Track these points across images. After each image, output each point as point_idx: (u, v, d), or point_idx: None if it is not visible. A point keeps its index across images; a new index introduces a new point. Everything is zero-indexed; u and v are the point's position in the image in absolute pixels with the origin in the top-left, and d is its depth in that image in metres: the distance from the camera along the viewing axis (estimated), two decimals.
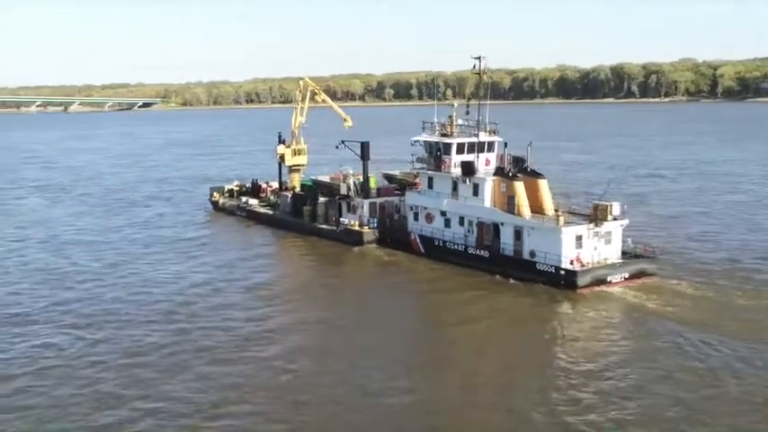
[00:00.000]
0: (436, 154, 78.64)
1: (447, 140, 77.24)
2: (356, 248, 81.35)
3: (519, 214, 69.42)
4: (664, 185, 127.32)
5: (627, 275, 65.16)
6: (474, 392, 43.32)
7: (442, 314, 59.85)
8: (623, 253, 68.33)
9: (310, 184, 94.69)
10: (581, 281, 63.09)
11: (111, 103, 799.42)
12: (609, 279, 64.48)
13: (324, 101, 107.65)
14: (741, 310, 57.27)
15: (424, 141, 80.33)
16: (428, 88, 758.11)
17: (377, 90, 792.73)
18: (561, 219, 66.93)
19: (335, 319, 57.99)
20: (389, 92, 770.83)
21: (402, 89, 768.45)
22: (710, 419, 39.10)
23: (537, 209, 70.18)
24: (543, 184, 71.88)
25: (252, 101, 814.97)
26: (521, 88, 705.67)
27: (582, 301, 60.76)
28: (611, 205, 67.70)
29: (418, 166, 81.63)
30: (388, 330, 55.39)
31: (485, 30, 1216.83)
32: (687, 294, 61.46)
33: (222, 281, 68.31)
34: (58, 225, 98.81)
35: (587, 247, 66.03)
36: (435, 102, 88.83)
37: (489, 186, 72.52)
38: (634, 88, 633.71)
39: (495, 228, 71.62)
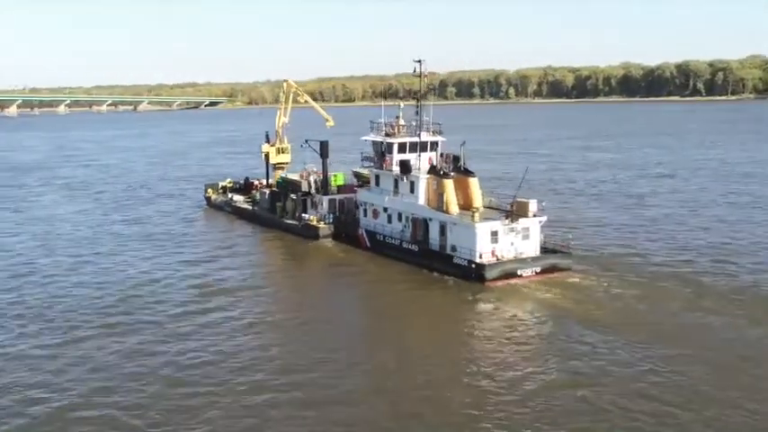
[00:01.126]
0: (381, 153, 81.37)
1: (389, 140, 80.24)
2: (313, 243, 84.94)
3: (447, 211, 71.66)
4: (661, 185, 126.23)
5: (538, 270, 67.27)
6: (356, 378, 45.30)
7: (356, 303, 64.38)
8: (543, 248, 70.30)
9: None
10: (489, 274, 65.50)
11: (178, 102, 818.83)
12: (519, 273, 66.65)
13: (306, 101, 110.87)
14: (641, 310, 57.76)
15: (372, 141, 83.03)
16: (490, 87, 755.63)
17: (439, 89, 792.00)
18: (476, 215, 68.90)
19: (250, 315, 59.40)
20: (451, 90, 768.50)
21: (464, 88, 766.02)
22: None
23: (467, 206, 72.32)
24: (473, 183, 74.18)
25: (315, 99, 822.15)
26: (584, 86, 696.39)
27: (486, 294, 63.05)
28: (527, 202, 70.56)
29: (366, 164, 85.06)
30: (305, 323, 57.02)
31: (547, 28, 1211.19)
32: (591, 289, 63.28)
33: (172, 276, 70.93)
34: (57, 221, 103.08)
35: (504, 243, 68.43)
36: (382, 103, 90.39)
37: (423, 184, 75.34)
38: (700, 86, 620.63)
39: (425, 223, 74.20)
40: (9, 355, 50.23)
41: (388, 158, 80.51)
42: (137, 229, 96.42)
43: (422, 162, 78.27)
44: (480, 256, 66.76)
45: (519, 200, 70.97)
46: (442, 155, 79.46)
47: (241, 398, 42.49)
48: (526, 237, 69.62)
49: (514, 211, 69.51)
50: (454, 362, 48.48)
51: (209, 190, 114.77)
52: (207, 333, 54.13)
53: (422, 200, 75.52)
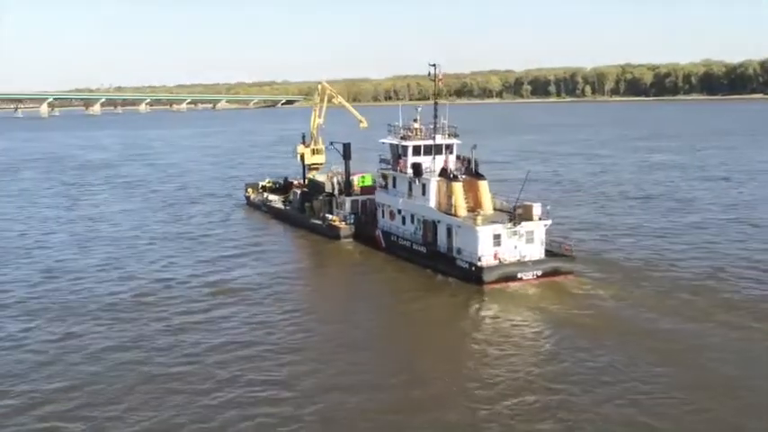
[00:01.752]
0: (397, 155, 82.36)
1: (404, 143, 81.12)
2: (335, 243, 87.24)
3: (455, 213, 72.28)
4: (712, 189, 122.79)
5: (539, 273, 67.20)
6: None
7: (355, 303, 65.53)
8: (549, 252, 70.24)
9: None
10: (487, 276, 65.80)
11: (255, 101, 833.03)
12: (519, 276, 66.72)
13: (340, 103, 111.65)
14: (635, 319, 56.73)
15: (389, 143, 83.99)
16: (566, 85, 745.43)
17: (514, 87, 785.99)
18: (479, 218, 69.26)
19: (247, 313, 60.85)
20: (527, 88, 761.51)
21: (540, 86, 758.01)
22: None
23: (477, 209, 72.92)
24: (483, 185, 74.84)
25: (390, 98, 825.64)
26: (663, 84, 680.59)
27: (481, 296, 63.64)
28: (531, 206, 70.55)
29: (383, 166, 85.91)
30: (298, 323, 57.86)
31: (626, 25, 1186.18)
32: (588, 295, 62.94)
33: (183, 276, 72.30)
34: (101, 220, 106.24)
35: (507, 246, 68.56)
36: (399, 104, 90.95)
37: (434, 187, 76.04)
38: None
39: (434, 226, 75.02)
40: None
41: (402, 161, 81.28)
42: (172, 228, 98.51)
43: (437, 165, 78.49)
44: (481, 259, 66.89)
45: (524, 203, 71.08)
46: (458, 157, 79.87)
47: (212, 393, 43.55)
48: (530, 240, 69.63)
49: (518, 215, 69.55)
50: (427, 362, 49.40)
51: (250, 189, 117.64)
52: (203, 329, 55.64)
53: (432, 202, 76.20)
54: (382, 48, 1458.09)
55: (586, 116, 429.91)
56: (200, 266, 76.07)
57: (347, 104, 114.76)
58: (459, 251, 70.38)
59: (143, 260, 79.43)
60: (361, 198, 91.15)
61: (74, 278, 72.48)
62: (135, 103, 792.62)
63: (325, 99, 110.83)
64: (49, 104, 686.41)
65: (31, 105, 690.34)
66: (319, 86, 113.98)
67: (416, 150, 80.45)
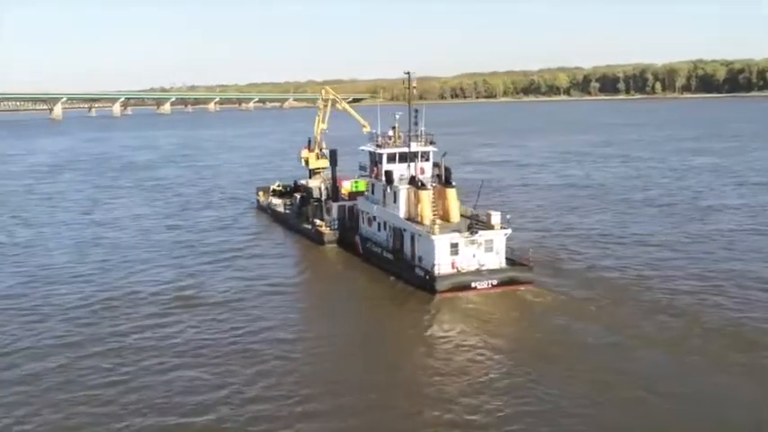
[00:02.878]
0: (374, 162, 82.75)
1: (379, 150, 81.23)
2: (320, 248, 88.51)
3: (422, 222, 72.53)
4: (742, 195, 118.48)
5: (495, 282, 66.73)
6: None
7: (309, 310, 65.91)
8: (511, 261, 69.89)
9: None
10: (440, 285, 65.66)
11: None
12: (474, 285, 66.38)
13: (344, 108, 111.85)
14: (580, 335, 55.61)
15: (368, 151, 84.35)
16: (636, 82, 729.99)
17: (582, 84, 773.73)
18: (436, 227, 69.07)
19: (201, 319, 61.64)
20: (595, 86, 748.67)
21: (608, 83, 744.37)
22: None
23: (445, 217, 73.49)
24: (451, 193, 74.77)
25: (456, 96, 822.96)
26: (736, 81, 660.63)
27: (430, 305, 63.73)
28: (490, 214, 71.38)
29: (362, 173, 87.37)
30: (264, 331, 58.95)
31: (699, 20, 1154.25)
32: (540, 306, 62.64)
33: (153, 283, 73.04)
34: (110, 225, 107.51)
35: (465, 255, 68.44)
36: (379, 102, 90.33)
37: (404, 195, 76.36)
38: None
39: (401, 233, 75.32)
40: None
41: (377, 168, 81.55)
42: (172, 235, 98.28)
43: (411, 172, 78.24)
44: (435, 267, 66.72)
45: (482, 212, 71.96)
46: (436, 164, 79.55)
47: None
48: (489, 249, 69.39)
49: (474, 224, 69.70)
50: (352, 372, 49.75)
51: (260, 193, 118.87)
52: (143, 342, 55.93)
53: (402, 210, 76.33)
54: (450, 45, 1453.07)
55: (651, 114, 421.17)
56: (174, 275, 76.41)
57: (350, 109, 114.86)
58: (420, 259, 70.75)
59: (124, 269, 79.96)
60: (348, 204, 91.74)
61: (50, 284, 73.88)
62: (204, 101, 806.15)
63: (329, 104, 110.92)
64: (122, 104, 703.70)
65: (104, 105, 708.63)
66: (322, 91, 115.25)
67: (391, 158, 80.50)
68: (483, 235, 69.22)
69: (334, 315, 63.35)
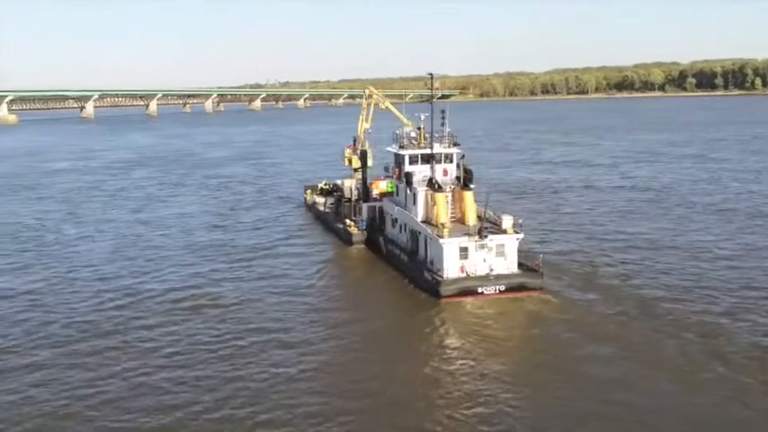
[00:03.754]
0: (398, 164, 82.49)
1: (401, 152, 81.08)
2: (348, 248, 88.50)
3: (436, 224, 71.47)
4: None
5: (503, 288, 65.27)
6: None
7: (320, 310, 65.01)
8: (525, 267, 68.36)
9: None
10: (444, 291, 64.65)
11: (411, 95, 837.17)
12: (480, 291, 65.06)
13: (387, 107, 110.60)
14: (592, 353, 52.79)
15: (393, 152, 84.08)
16: (734, 77, 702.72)
17: (678, 80, 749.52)
18: (445, 230, 68.12)
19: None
20: (691, 81, 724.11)
21: (706, 78, 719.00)
22: None
23: (462, 220, 72.84)
24: (467, 196, 73.49)
25: (547, 92, 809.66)
26: None
27: (434, 311, 62.79)
28: (501, 219, 70.12)
29: (385, 174, 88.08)
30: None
31: None
32: (548, 317, 60.53)
33: (167, 289, 72.32)
34: (156, 224, 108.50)
35: (475, 259, 67.33)
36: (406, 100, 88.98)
37: (422, 197, 75.85)
38: None
39: (416, 236, 74.84)
40: None
41: (398, 170, 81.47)
42: (210, 236, 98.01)
43: (435, 174, 77.23)
44: (442, 272, 66.27)
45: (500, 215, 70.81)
46: (458, 166, 78.51)
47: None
48: (500, 254, 68.01)
49: (484, 228, 68.01)
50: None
51: (308, 192, 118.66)
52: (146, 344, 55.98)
53: (420, 212, 75.74)
54: (541, 40, 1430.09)
55: (746, 111, 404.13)
56: (189, 277, 76.20)
57: (393, 109, 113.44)
58: (431, 263, 69.71)
59: (144, 270, 79.88)
60: (377, 204, 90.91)
61: (68, 282, 75.21)
62: (294, 98, 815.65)
63: (372, 104, 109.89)
64: (215, 100, 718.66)
65: (198, 101, 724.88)
66: (366, 91, 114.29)
67: (414, 159, 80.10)
68: (494, 239, 67.99)
69: (333, 320, 61.99)
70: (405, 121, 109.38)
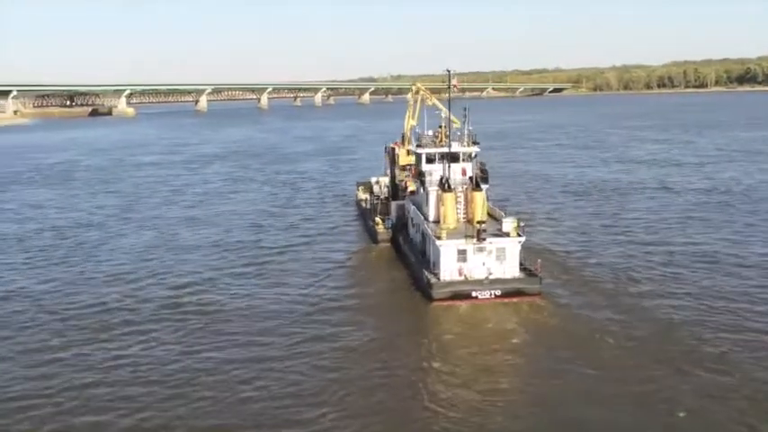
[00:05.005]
0: (418, 162, 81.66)
1: (418, 150, 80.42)
2: (375, 246, 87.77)
3: (443, 224, 70.02)
4: None
5: (498, 293, 63.37)
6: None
7: (315, 312, 64.39)
8: (526, 270, 66.35)
9: None
10: (436, 293, 63.30)
11: (521, 89, 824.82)
12: (474, 295, 63.32)
13: (434, 104, 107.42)
14: (577, 374, 49.28)
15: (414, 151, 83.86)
16: None
17: None
18: (443, 232, 66.46)
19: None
20: None
21: None
22: None
23: (471, 221, 70.63)
24: (477, 197, 71.81)
25: (663, 85, 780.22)
26: None
27: (424, 314, 61.91)
28: (502, 221, 68.50)
29: (406, 173, 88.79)
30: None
31: None
32: (540, 325, 58.51)
33: (174, 293, 71.33)
34: (200, 223, 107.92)
35: (474, 262, 65.47)
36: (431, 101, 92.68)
37: (433, 197, 74.53)
38: None
39: (425, 236, 73.79)
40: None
41: (416, 168, 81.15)
42: (247, 236, 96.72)
43: (452, 173, 75.35)
44: (437, 274, 65.43)
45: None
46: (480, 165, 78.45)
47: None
48: (501, 257, 66.01)
49: (482, 230, 65.81)
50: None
51: (361, 188, 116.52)
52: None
53: (432, 212, 74.54)
54: (659, 31, 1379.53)
55: None
56: (188, 285, 74.01)
57: (440, 105, 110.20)
58: (433, 264, 68.22)
59: (158, 273, 78.77)
60: (406, 203, 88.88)
61: (84, 282, 75.53)
62: (404, 91, 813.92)
63: (419, 100, 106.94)
64: (326, 94, 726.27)
65: (308, 95, 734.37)
66: (413, 88, 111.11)
67: (430, 158, 78.88)
68: (494, 242, 65.96)
69: (322, 322, 61.20)
70: (453, 118, 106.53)
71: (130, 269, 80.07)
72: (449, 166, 75.84)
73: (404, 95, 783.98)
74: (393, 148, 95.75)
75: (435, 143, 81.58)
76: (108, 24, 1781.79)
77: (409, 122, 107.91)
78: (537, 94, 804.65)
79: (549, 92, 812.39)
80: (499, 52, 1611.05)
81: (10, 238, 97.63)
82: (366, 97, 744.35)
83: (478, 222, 68.17)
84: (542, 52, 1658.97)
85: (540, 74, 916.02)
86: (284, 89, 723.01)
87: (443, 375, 49.40)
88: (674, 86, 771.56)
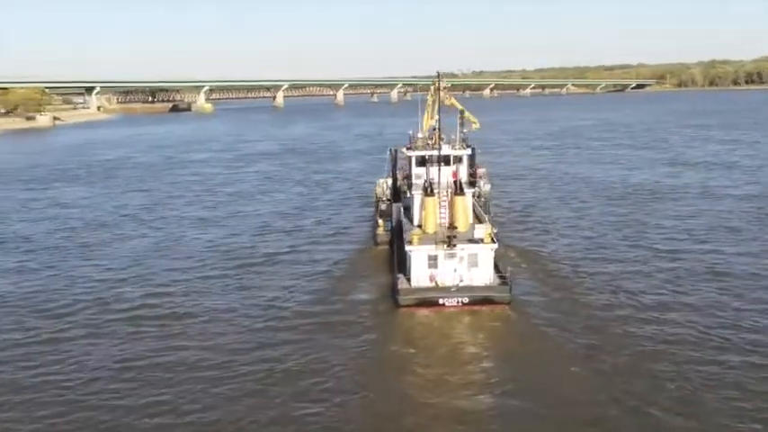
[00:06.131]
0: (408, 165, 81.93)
1: (408, 153, 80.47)
2: (374, 248, 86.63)
3: (423, 230, 70.11)
4: None
5: (466, 300, 62.14)
6: None
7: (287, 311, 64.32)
8: (502, 278, 64.90)
9: None
10: (402, 300, 62.52)
11: (603, 85, 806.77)
12: (441, 302, 62.26)
13: (452, 104, 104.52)
14: (529, 398, 46.32)
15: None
16: None
17: None
18: (415, 237, 65.68)
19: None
20: None
21: None
22: None
23: (453, 226, 69.80)
24: (459, 201, 71.52)
25: (752, 81, 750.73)
26: None
27: (386, 323, 60.65)
28: (473, 228, 67.95)
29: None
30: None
31: None
32: (503, 337, 57.05)
33: (143, 296, 70.61)
34: (212, 224, 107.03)
35: (445, 269, 64.41)
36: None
37: (417, 201, 74.46)
38: None
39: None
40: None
41: (404, 172, 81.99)
42: (251, 239, 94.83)
43: (442, 176, 74.37)
44: (405, 281, 64.88)
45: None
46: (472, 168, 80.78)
47: None
48: (473, 264, 64.56)
49: (451, 236, 64.77)
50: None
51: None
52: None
53: (416, 216, 74.40)
54: (749, 26, 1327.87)
55: None
56: (175, 289, 72.70)
57: (458, 105, 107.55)
58: (408, 270, 66.61)
59: (144, 277, 77.63)
60: None
61: (75, 284, 75.38)
62: (481, 88, 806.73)
63: (438, 100, 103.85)
64: (400, 90, 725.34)
65: (384, 91, 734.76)
66: (431, 87, 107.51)
67: (419, 161, 78.84)
68: (465, 249, 64.66)
69: (276, 329, 59.96)
70: (471, 118, 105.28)
71: (113, 275, 78.39)
72: (428, 170, 76.10)
73: (481, 92, 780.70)
74: (395, 150, 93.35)
75: (430, 145, 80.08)
76: (193, 23, 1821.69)
77: (427, 122, 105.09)
78: (619, 91, 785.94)
79: (632, 88, 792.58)
80: (582, 48, 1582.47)
81: (18, 239, 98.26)
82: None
83: (449, 228, 67.04)
84: (626, 48, 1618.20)
85: (623, 70, 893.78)
86: (360, 85, 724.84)
87: (383, 387, 48.30)
88: (762, 82, 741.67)
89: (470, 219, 74.15)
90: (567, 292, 67.26)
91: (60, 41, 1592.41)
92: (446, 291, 62.82)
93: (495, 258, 69.13)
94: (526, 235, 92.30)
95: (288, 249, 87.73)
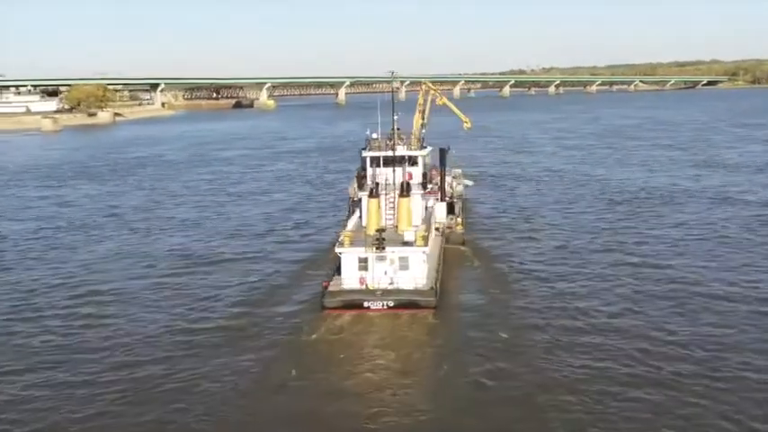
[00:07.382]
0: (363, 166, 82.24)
1: (364, 154, 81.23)
2: None
3: (366, 232, 69.39)
4: None
5: (391, 304, 61.52)
6: None
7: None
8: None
9: None
10: (327, 302, 62.20)
11: (672, 82, 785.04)
12: (366, 305, 61.79)
13: (444, 104, 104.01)
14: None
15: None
16: None
17: None
18: (346, 239, 65.45)
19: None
20: None
21: None
22: None
23: (398, 228, 70.17)
24: (403, 203, 71.06)
25: None
26: None
27: (309, 325, 59.53)
28: (402, 231, 67.55)
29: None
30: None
31: None
32: (408, 339, 56.58)
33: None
34: (204, 225, 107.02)
35: (376, 271, 63.98)
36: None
37: (364, 203, 73.94)
38: None
39: None
40: None
41: (362, 173, 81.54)
42: (224, 241, 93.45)
43: (396, 177, 75.05)
44: (335, 283, 64.49)
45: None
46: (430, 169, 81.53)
47: None
48: (404, 267, 64.03)
49: (380, 239, 64.38)
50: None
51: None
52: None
53: (364, 217, 73.33)
54: None
55: None
56: (107, 296, 70.86)
57: (451, 105, 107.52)
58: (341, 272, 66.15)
59: (84, 282, 75.93)
60: None
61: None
62: (545, 84, 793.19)
63: (429, 99, 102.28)
64: (462, 87, 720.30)
65: (446, 88, 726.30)
66: (423, 86, 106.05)
67: (374, 162, 79.16)
68: (396, 251, 64.28)
69: (195, 331, 59.38)
70: (463, 117, 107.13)
71: (51, 279, 77.20)
72: (393, 170, 76.06)
73: (546, 89, 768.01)
74: (443, 149, 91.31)
75: (389, 146, 79.80)
76: (259, 20, 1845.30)
77: (418, 122, 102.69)
78: (689, 88, 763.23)
79: (703, 85, 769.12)
80: (653, 44, 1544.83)
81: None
82: (506, 90, 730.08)
83: (378, 230, 65.98)
84: (699, 43, 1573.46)
85: (695, 66, 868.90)
86: (417, 82, 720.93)
87: (293, 392, 47.53)
88: None
89: (418, 221, 72.99)
90: (507, 302, 63.98)
91: (128, 39, 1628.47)
92: (372, 294, 62.31)
93: (438, 261, 69.44)
94: (496, 238, 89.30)
95: (250, 253, 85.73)
